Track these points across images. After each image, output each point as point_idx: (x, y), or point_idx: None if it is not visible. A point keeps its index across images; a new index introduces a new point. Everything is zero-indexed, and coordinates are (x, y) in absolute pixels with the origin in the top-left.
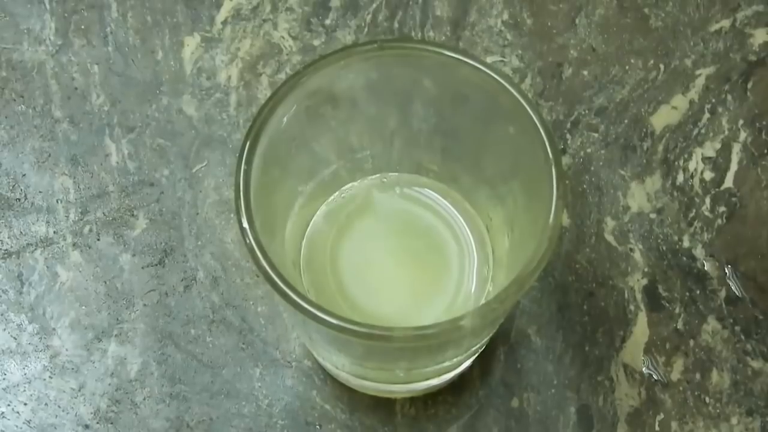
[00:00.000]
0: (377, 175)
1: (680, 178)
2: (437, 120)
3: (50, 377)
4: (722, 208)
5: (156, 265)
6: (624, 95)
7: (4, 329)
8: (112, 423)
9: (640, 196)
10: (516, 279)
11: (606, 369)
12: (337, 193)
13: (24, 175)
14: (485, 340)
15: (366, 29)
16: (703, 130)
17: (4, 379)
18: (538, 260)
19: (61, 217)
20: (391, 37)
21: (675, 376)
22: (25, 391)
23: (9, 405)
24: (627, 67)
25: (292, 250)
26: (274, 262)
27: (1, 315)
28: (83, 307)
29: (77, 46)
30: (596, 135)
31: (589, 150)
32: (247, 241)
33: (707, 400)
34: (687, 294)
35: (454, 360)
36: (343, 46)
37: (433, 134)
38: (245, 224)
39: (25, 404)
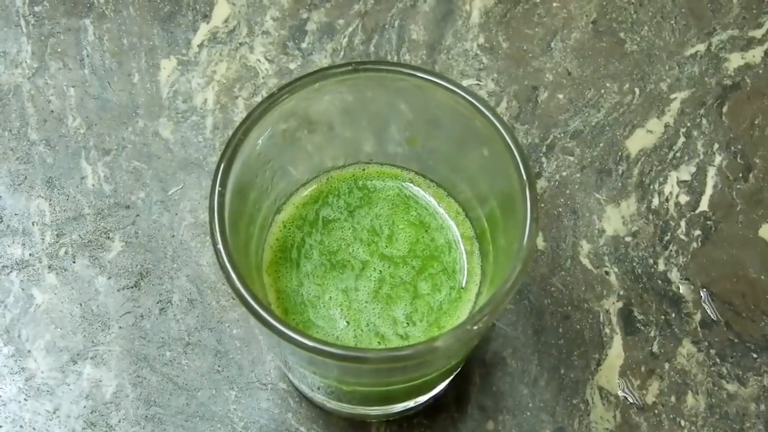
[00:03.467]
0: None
1: (655, 201)
2: (413, 143)
3: (25, 399)
4: (697, 232)
5: (131, 287)
6: (599, 119)
7: None
8: None
9: (615, 219)
10: (490, 300)
11: (581, 392)
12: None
13: (0, 197)
14: (461, 360)
15: (342, 53)
16: (678, 154)
17: None
18: (512, 282)
19: (36, 240)
20: (366, 59)
21: (650, 399)
22: (0, 413)
23: None
24: (602, 91)
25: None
26: (250, 284)
27: None
28: (58, 330)
29: (53, 69)
30: (572, 158)
31: (564, 173)
32: (223, 264)
33: (682, 423)
34: (662, 317)
35: (429, 378)
36: (318, 69)
37: (409, 158)
38: (220, 247)
39: (0, 426)
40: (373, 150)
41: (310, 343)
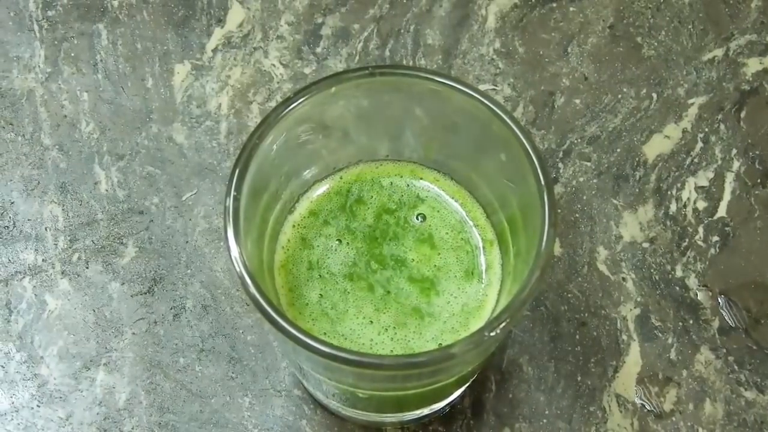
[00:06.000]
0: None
1: (673, 207)
2: (429, 149)
3: (38, 406)
4: (715, 238)
5: (145, 293)
6: (616, 124)
7: None
8: None
9: (632, 225)
10: (507, 307)
11: (598, 399)
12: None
13: (13, 202)
14: (478, 367)
15: (357, 57)
16: (696, 160)
17: None
18: (529, 289)
19: (49, 245)
20: (382, 64)
21: (668, 406)
22: (12, 420)
23: None
24: (619, 96)
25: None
26: (263, 287)
27: None
28: (71, 336)
29: (67, 74)
30: (588, 164)
31: (581, 179)
32: (237, 270)
33: (700, 430)
34: (680, 324)
35: (445, 384)
36: (334, 73)
37: (425, 161)
38: (235, 253)
39: None
40: (389, 154)
41: (326, 349)
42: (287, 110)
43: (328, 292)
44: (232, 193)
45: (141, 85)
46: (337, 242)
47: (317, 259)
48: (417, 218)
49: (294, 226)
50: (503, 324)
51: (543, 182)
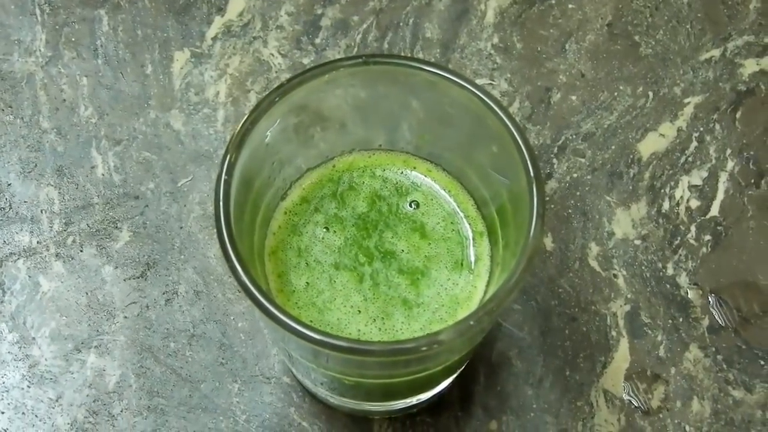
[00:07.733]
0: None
1: (666, 205)
2: (422, 140)
3: (28, 386)
4: (707, 237)
5: (138, 277)
6: (612, 121)
7: None
8: None
9: (625, 222)
10: (493, 296)
11: (586, 394)
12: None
13: (9, 184)
14: (465, 357)
15: (356, 49)
16: (690, 159)
17: None
18: (516, 279)
19: (45, 228)
20: (378, 53)
21: (655, 403)
22: (2, 399)
23: None
24: (616, 94)
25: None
26: (252, 272)
27: None
28: (64, 318)
29: (67, 59)
30: (583, 160)
31: (575, 175)
32: (228, 255)
33: (687, 428)
34: (670, 321)
35: (432, 372)
36: (327, 61)
37: (420, 150)
38: (227, 242)
39: (2, 413)
40: (382, 144)
41: (315, 336)
42: (280, 97)
43: (315, 280)
44: (224, 177)
45: (140, 72)
46: (324, 230)
47: (305, 246)
48: (410, 205)
49: (285, 212)
50: (489, 313)
51: (533, 174)
